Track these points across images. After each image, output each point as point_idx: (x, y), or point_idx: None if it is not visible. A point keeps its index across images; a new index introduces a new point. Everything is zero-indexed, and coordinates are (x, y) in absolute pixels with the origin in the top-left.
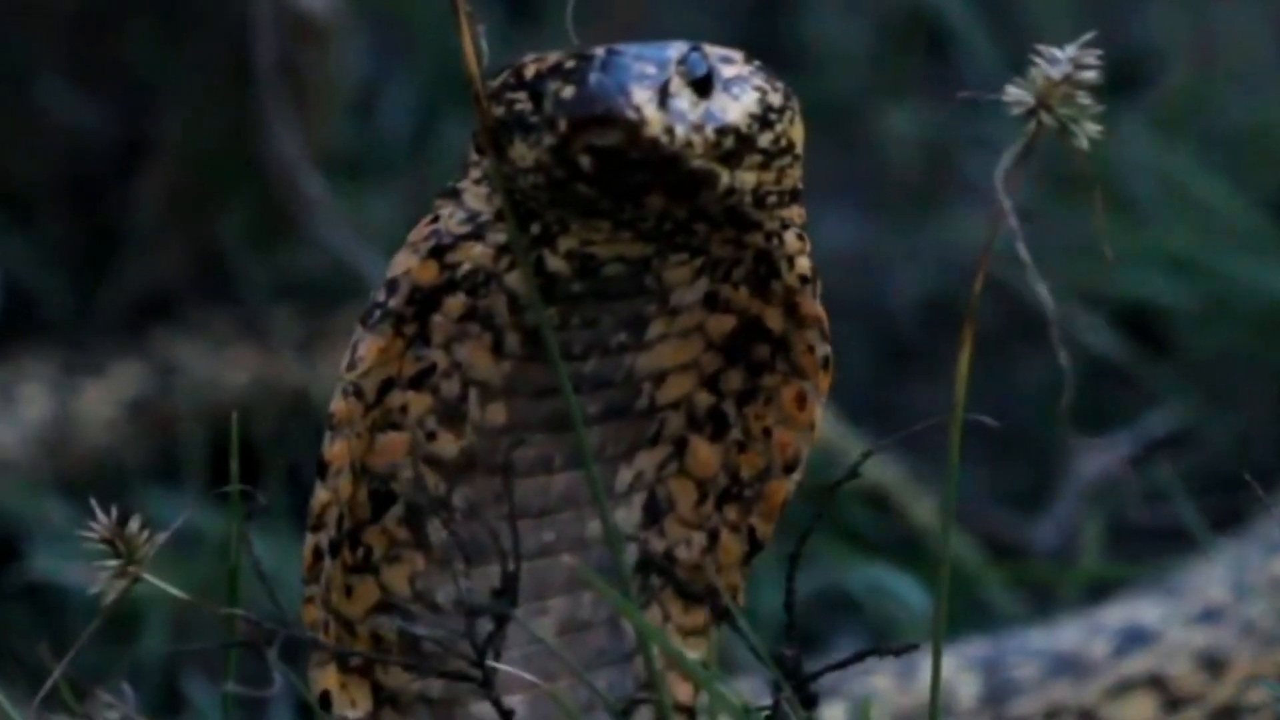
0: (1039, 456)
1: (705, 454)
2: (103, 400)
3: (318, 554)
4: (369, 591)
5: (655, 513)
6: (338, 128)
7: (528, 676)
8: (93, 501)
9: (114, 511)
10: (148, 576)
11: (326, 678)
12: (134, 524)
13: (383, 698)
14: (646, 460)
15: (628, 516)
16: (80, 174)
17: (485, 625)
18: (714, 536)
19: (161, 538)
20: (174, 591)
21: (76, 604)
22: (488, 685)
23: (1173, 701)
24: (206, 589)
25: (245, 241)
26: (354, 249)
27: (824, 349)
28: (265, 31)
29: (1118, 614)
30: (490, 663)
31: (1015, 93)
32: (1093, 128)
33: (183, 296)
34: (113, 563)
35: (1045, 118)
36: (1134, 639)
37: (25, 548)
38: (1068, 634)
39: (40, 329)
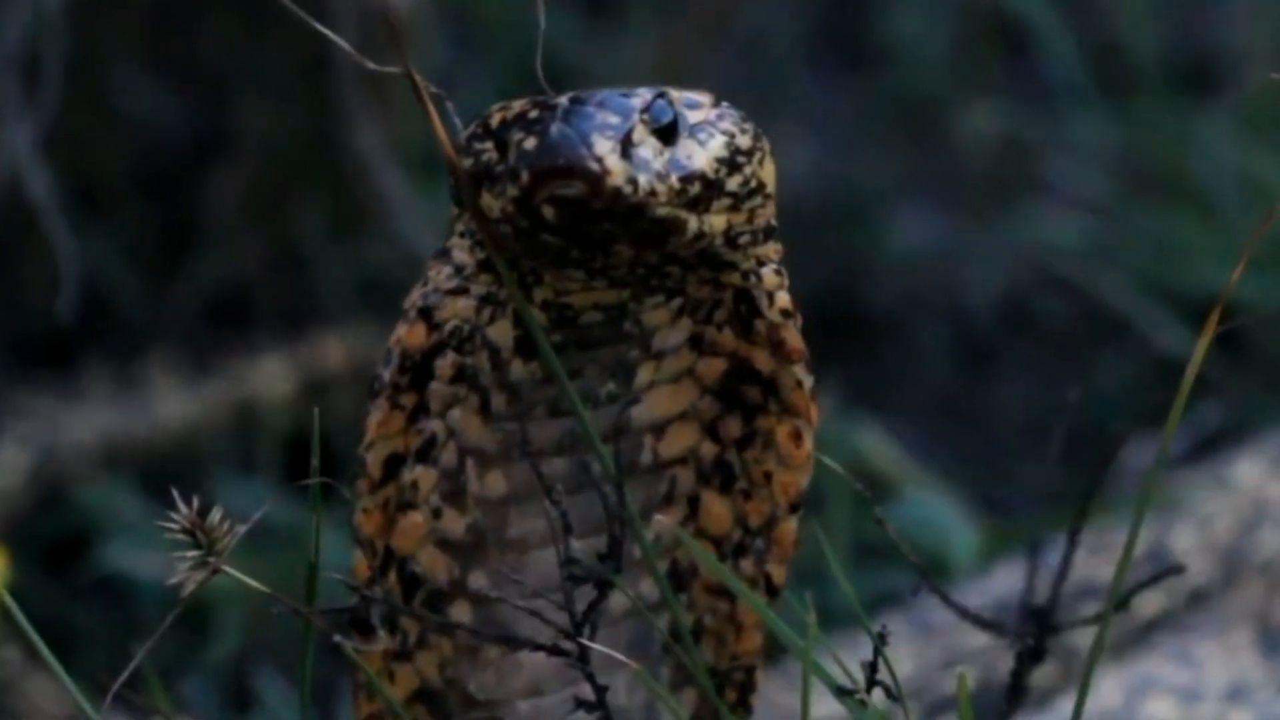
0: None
1: (718, 509)
2: None
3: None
4: (408, 679)
5: (680, 581)
6: (414, 123)
7: (619, 657)
8: (174, 492)
9: (194, 502)
10: (227, 569)
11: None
12: (215, 515)
13: None
14: (671, 516)
15: (651, 587)
16: (157, 168)
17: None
18: (734, 597)
19: (242, 529)
20: (252, 584)
21: (145, 598)
22: (584, 660)
23: None
24: (278, 584)
25: (322, 236)
26: (431, 244)
27: (809, 381)
28: (344, 26)
29: None
30: (585, 640)
31: None
32: None
33: (259, 289)
34: (193, 553)
35: None
36: None
37: (96, 541)
38: None
39: (115, 323)
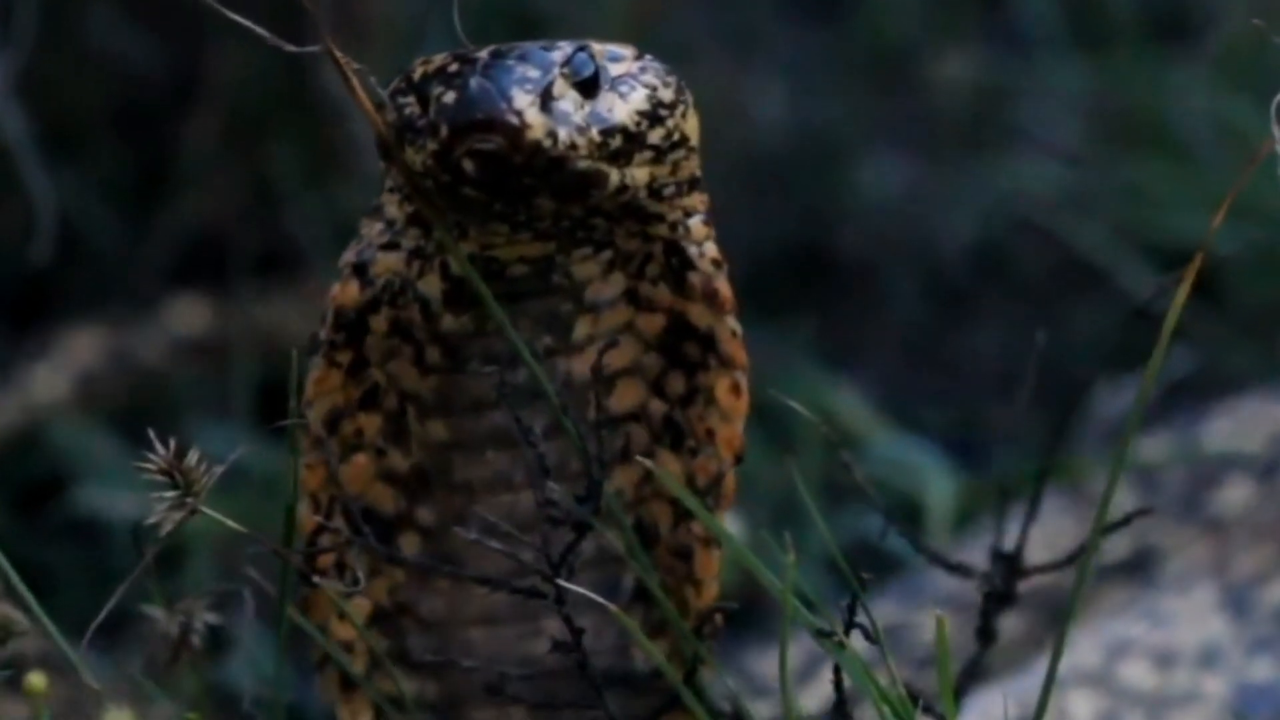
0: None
1: (672, 469)
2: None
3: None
4: (361, 609)
5: (645, 539)
6: (388, 65)
7: (596, 598)
8: (150, 433)
9: (171, 443)
10: (205, 509)
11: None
12: (192, 456)
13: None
14: (625, 479)
15: (617, 540)
16: (132, 109)
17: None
18: (688, 556)
19: (218, 470)
20: (229, 524)
21: (119, 539)
22: (560, 602)
23: None
24: (253, 526)
25: (297, 180)
26: None
27: (738, 328)
28: None
29: None
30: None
31: None
32: None
33: (234, 232)
34: (170, 494)
35: None
36: None
37: (70, 483)
38: None
39: (91, 263)
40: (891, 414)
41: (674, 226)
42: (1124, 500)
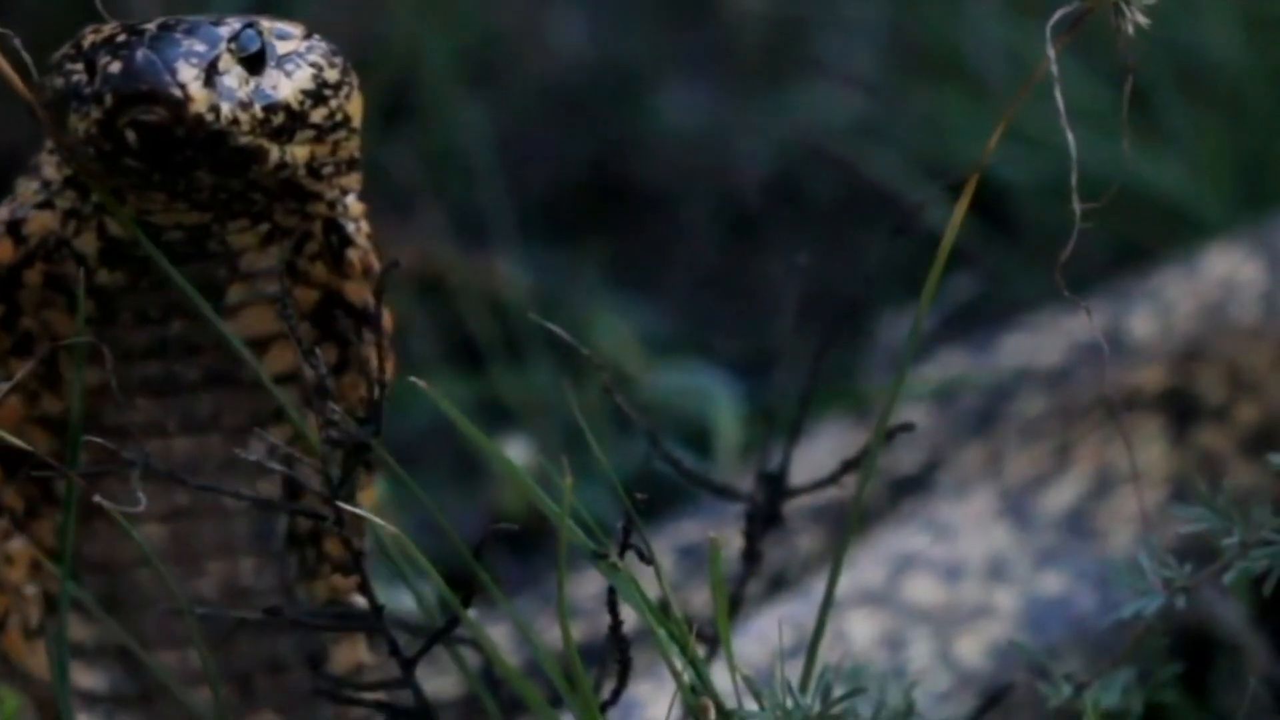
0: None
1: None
2: None
3: None
4: (25, 553)
5: (295, 489)
6: (187, 8)
7: (378, 520)
8: None
9: None
10: None
11: None
12: None
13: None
14: (279, 434)
15: (270, 489)
16: None
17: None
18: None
19: (5, 387)
20: (17, 443)
21: None
22: (340, 524)
23: None
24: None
25: None
26: None
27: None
28: None
29: None
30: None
31: None
32: (1142, 18)
33: (25, 150)
34: None
35: None
36: None
37: None
38: None
39: None
40: (687, 341)
41: (332, 205)
42: (916, 417)
